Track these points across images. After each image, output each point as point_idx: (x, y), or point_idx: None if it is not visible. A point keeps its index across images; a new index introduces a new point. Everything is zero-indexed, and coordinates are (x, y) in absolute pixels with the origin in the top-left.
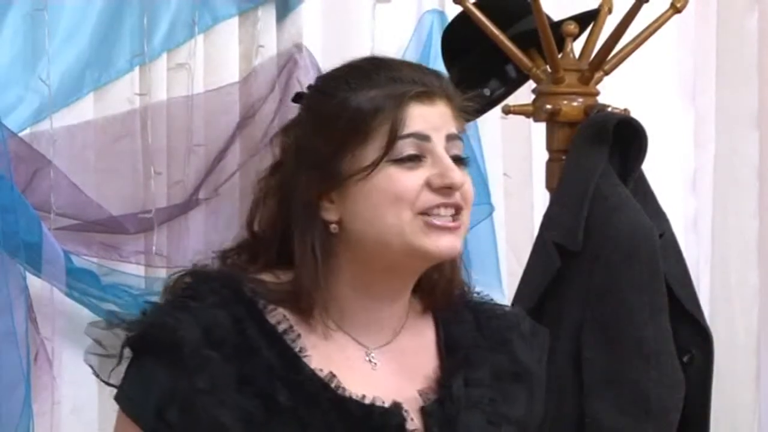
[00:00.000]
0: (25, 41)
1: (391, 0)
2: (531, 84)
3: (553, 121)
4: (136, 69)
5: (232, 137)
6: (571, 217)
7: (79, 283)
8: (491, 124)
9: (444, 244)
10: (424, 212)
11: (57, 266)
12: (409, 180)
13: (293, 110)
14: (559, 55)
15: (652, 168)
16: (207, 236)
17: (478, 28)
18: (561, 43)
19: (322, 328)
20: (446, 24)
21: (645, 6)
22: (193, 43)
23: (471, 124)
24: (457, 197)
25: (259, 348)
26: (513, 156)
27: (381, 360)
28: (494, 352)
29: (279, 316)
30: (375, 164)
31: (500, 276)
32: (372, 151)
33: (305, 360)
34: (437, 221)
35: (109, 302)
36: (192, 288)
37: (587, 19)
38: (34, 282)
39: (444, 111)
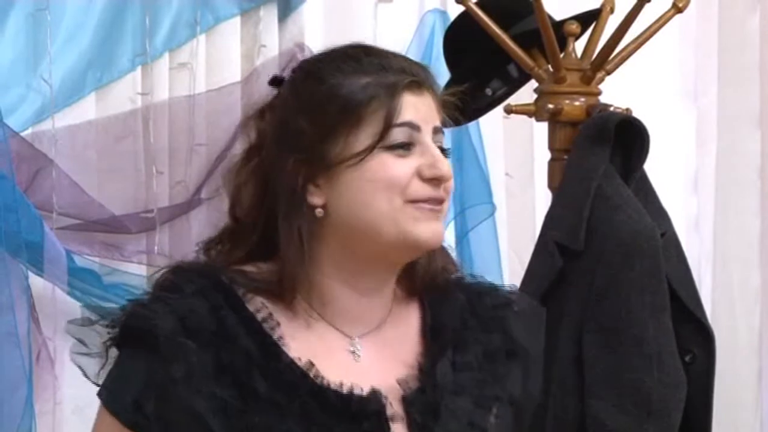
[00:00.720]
0: (27, 41)
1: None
2: (533, 83)
3: (555, 120)
4: (138, 69)
5: (234, 137)
6: (573, 216)
7: (81, 282)
8: (493, 123)
9: (432, 231)
10: (413, 201)
11: (59, 266)
12: (401, 167)
13: None
14: (561, 55)
15: (653, 167)
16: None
17: (480, 28)
18: (563, 43)
19: (304, 317)
20: (448, 23)
21: (647, 5)
22: (195, 43)
23: (473, 123)
24: (441, 191)
25: (237, 336)
26: (515, 155)
27: (364, 349)
28: (487, 332)
29: (258, 304)
30: (369, 150)
31: (502, 275)
32: (365, 137)
33: (284, 348)
34: (425, 210)
35: (111, 302)
36: (171, 281)
37: (589, 19)
38: (36, 281)
39: (430, 102)
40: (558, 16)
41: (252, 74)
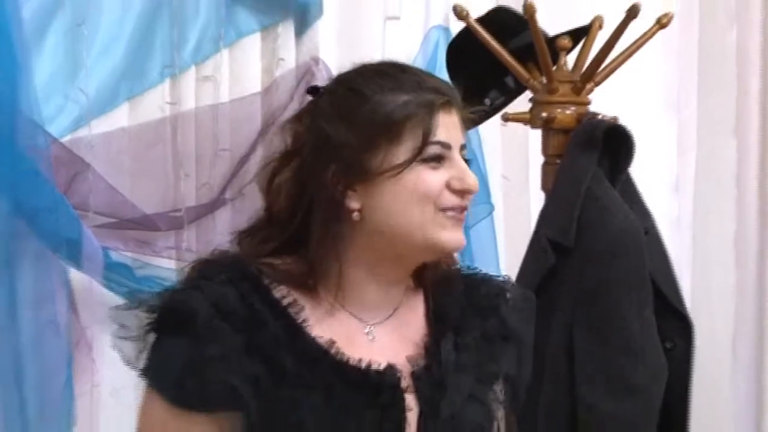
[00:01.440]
0: (66, 55)
1: (400, 16)
2: (528, 94)
3: (548, 128)
4: (167, 80)
5: (255, 143)
6: (565, 215)
7: (116, 275)
8: (491, 130)
9: (456, 239)
10: (442, 210)
11: (95, 261)
12: (434, 179)
13: None
14: (554, 68)
15: (638, 171)
16: (232, 233)
17: (480, 43)
18: (555, 57)
19: (326, 306)
20: (450, 39)
21: (633, 21)
22: (219, 57)
23: (473, 130)
24: (467, 201)
25: (265, 319)
26: (511, 160)
27: (378, 333)
28: (484, 317)
29: (284, 292)
30: (408, 163)
31: (499, 269)
32: (404, 151)
33: (307, 329)
34: (451, 218)
35: (143, 292)
36: (202, 271)
37: (580, 34)
38: (75, 275)
39: (457, 121)
40: (551, 32)
41: (271, 85)
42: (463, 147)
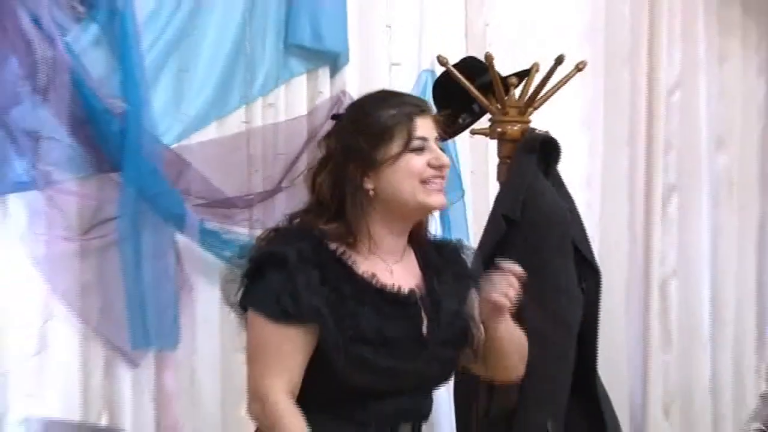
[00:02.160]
0: (174, 90)
1: (401, 63)
2: (488, 115)
3: (501, 138)
4: (243, 107)
5: (301, 149)
6: (514, 198)
7: (208, 239)
8: (463, 140)
9: (439, 200)
10: (425, 181)
11: (194, 229)
12: (419, 161)
13: None
14: (506, 97)
15: (562, 169)
16: (286, 210)
17: (455, 81)
18: (507, 90)
19: (364, 252)
20: (435, 78)
21: (559, 67)
22: (278, 91)
23: (451, 140)
24: (443, 172)
25: (328, 262)
26: (477, 160)
27: (395, 270)
28: (452, 265)
29: (335, 246)
30: (399, 154)
31: (469, 236)
32: (396, 146)
33: (355, 268)
34: (433, 186)
35: (226, 250)
36: (278, 234)
37: (523, 75)
38: (180, 239)
39: (430, 122)
40: (504, 73)
41: (313, 110)
42: (437, 139)
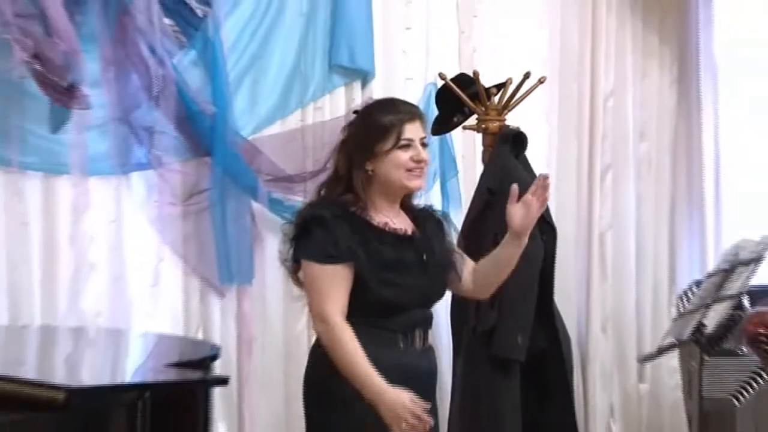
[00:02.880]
0: (250, 96)
1: (413, 78)
2: (475, 116)
3: (485, 132)
4: (299, 110)
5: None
6: (495, 175)
7: (274, 205)
8: (457, 134)
9: (418, 184)
10: (409, 170)
11: (264, 197)
12: (404, 156)
13: None
14: (488, 102)
15: (529, 154)
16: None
17: (451, 91)
18: (489, 97)
19: (372, 212)
20: (437, 89)
21: (527, 80)
22: (324, 98)
23: (448, 134)
24: (422, 165)
25: (353, 218)
26: (467, 148)
27: (397, 222)
28: (431, 220)
29: (354, 208)
30: (390, 149)
31: (461, 202)
32: (390, 143)
33: (371, 221)
34: (414, 174)
35: (287, 213)
36: (320, 203)
37: (500, 86)
38: (255, 205)
39: (419, 125)
40: (488, 84)
41: (348, 113)
42: (422, 139)
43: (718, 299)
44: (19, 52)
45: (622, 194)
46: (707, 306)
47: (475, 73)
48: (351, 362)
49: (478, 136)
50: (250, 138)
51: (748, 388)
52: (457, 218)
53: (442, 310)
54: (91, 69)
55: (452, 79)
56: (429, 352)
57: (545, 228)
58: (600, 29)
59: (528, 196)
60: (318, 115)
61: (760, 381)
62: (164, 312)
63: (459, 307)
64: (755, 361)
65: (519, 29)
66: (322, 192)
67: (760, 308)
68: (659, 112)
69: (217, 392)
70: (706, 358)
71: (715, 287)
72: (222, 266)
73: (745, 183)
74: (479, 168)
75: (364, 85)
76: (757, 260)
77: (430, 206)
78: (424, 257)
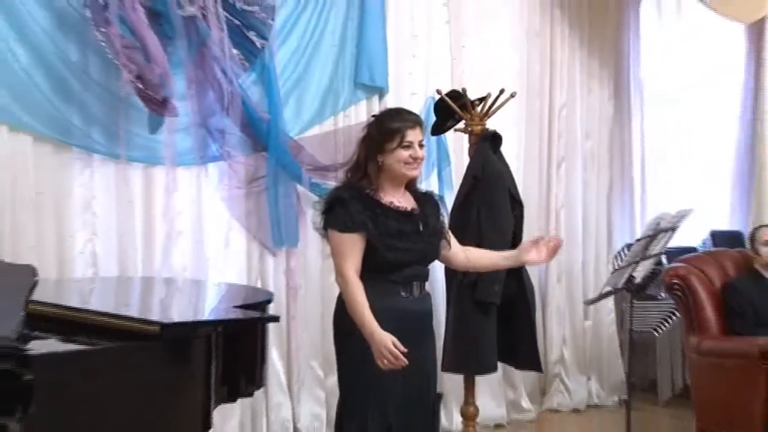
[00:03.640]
0: (296, 108)
1: (417, 93)
2: (464, 122)
3: (471, 134)
4: (332, 117)
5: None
6: (478, 165)
7: (314, 188)
8: (450, 135)
9: (415, 174)
10: (408, 163)
11: (306, 182)
12: (405, 154)
13: None
14: (473, 111)
15: (504, 150)
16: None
17: (446, 103)
18: (474, 107)
19: (381, 194)
20: (435, 101)
21: (503, 94)
22: (351, 108)
23: (442, 135)
24: (418, 161)
25: (365, 199)
26: (457, 145)
27: (401, 201)
28: (429, 202)
29: (368, 190)
30: (396, 148)
31: (453, 186)
32: (395, 143)
33: (381, 201)
34: (412, 166)
35: (323, 193)
36: (339, 188)
37: (483, 99)
38: (299, 188)
39: (419, 130)
40: (473, 97)
41: (369, 119)
42: (420, 142)
43: (644, 258)
44: (126, 75)
45: (572, 180)
46: (636, 263)
47: (463, 90)
48: (356, 309)
49: (465, 137)
50: (295, 138)
51: (665, 323)
52: (450, 197)
53: (438, 268)
54: (178, 87)
55: (446, 94)
56: (425, 299)
57: (515, 205)
58: (556, 58)
59: (542, 246)
60: (346, 121)
61: (674, 318)
62: (232, 267)
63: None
64: (671, 303)
65: (496, 57)
66: (348, 175)
67: (674, 264)
68: (600, 119)
69: (271, 327)
70: (635, 301)
71: (641, 249)
72: (275, 233)
73: (663, 172)
74: (466, 160)
75: (380, 98)
76: (673, 229)
77: (431, 192)
78: (421, 228)
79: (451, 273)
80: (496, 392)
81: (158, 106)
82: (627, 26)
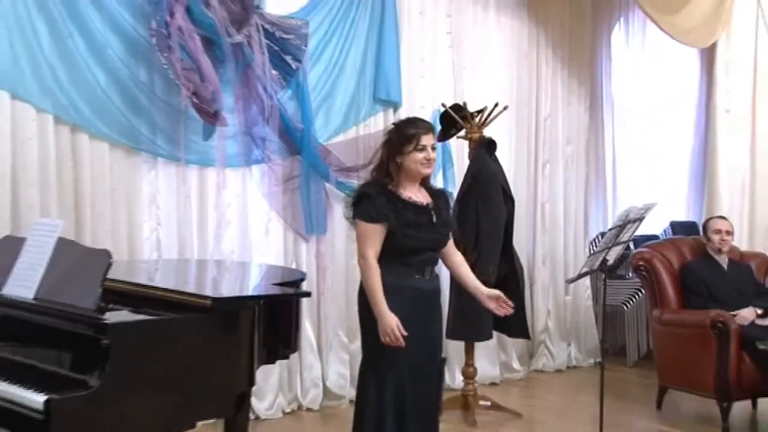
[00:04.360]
0: (325, 119)
1: (425, 106)
2: (465, 130)
3: (470, 140)
4: (354, 126)
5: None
6: (476, 167)
7: (340, 185)
8: (453, 142)
9: (428, 172)
10: (422, 164)
11: (333, 180)
12: (420, 155)
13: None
14: (472, 121)
15: (498, 154)
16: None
17: (450, 114)
18: (473, 118)
19: (401, 190)
20: (440, 113)
21: (498, 107)
22: (371, 119)
23: (447, 142)
24: (431, 161)
25: (389, 193)
26: (459, 150)
27: (418, 196)
28: (441, 197)
29: (390, 186)
30: (412, 150)
31: (455, 184)
32: (411, 146)
33: (400, 195)
34: (425, 165)
35: (347, 190)
36: (366, 184)
37: (480, 111)
38: (328, 186)
39: (431, 136)
40: (472, 110)
41: (385, 128)
42: (433, 146)
43: (615, 244)
44: (185, 92)
45: (555, 178)
46: (608, 248)
47: (464, 103)
48: (370, 290)
49: (466, 143)
50: (324, 144)
51: (633, 298)
52: (452, 194)
53: None
54: (227, 102)
55: (450, 107)
56: (435, 279)
57: (507, 200)
58: (541, 76)
59: (496, 302)
60: (366, 130)
61: (640, 294)
62: (272, 251)
63: None
64: (637, 281)
65: (491, 76)
66: (374, 173)
67: (640, 249)
68: (578, 127)
69: (304, 301)
70: (607, 280)
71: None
72: (307, 223)
73: (630, 172)
74: (466, 162)
75: (395, 110)
76: (640, 219)
77: (443, 189)
78: (434, 220)
79: None
80: (491, 356)
81: (211, 117)
82: (600, 51)
